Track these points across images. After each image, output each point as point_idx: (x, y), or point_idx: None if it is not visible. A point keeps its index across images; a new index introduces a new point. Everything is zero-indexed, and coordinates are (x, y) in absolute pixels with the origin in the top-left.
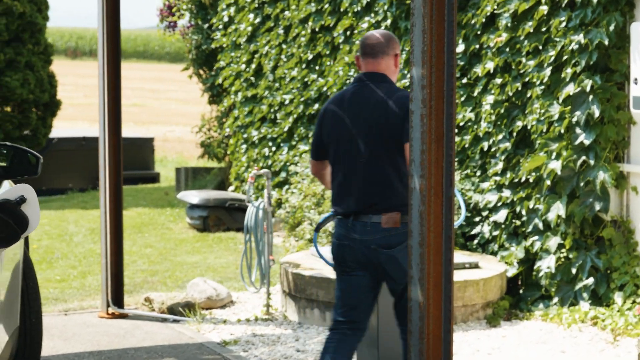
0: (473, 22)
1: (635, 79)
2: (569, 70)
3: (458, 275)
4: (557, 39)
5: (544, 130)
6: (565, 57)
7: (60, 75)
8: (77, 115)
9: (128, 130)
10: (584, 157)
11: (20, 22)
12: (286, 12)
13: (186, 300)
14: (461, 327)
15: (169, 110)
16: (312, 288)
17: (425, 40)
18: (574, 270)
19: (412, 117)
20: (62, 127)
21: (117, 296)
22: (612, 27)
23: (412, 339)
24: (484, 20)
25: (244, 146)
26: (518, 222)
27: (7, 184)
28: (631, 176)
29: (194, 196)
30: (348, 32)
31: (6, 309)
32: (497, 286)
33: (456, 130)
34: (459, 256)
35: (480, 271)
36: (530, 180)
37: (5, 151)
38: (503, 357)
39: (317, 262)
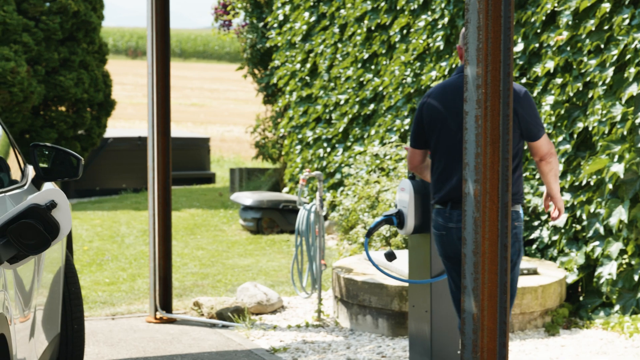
0: (533, 20)
1: None
2: (632, 70)
3: None
4: (620, 37)
5: (606, 132)
6: (628, 56)
7: (120, 74)
8: (136, 115)
9: (186, 130)
10: None
11: (74, 21)
12: (342, 11)
13: (236, 305)
14: (518, 336)
15: (228, 110)
16: (364, 294)
17: (481, 37)
18: (636, 277)
19: (467, 119)
20: (121, 127)
21: (165, 300)
22: None
23: (466, 353)
24: (544, 18)
25: (299, 147)
26: (578, 227)
27: (50, 185)
28: None
29: (247, 198)
30: (404, 31)
31: (46, 312)
32: (556, 293)
33: None
34: None
35: (539, 277)
36: (592, 184)
37: (46, 152)
38: None
39: (369, 267)
